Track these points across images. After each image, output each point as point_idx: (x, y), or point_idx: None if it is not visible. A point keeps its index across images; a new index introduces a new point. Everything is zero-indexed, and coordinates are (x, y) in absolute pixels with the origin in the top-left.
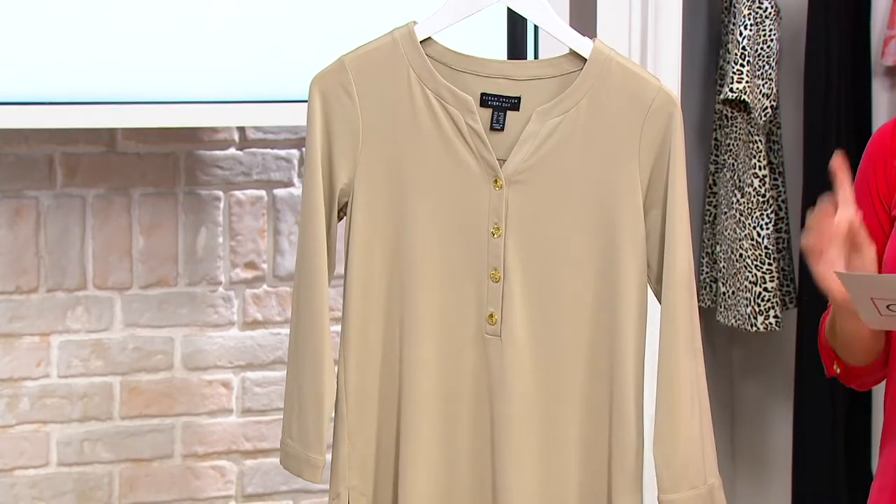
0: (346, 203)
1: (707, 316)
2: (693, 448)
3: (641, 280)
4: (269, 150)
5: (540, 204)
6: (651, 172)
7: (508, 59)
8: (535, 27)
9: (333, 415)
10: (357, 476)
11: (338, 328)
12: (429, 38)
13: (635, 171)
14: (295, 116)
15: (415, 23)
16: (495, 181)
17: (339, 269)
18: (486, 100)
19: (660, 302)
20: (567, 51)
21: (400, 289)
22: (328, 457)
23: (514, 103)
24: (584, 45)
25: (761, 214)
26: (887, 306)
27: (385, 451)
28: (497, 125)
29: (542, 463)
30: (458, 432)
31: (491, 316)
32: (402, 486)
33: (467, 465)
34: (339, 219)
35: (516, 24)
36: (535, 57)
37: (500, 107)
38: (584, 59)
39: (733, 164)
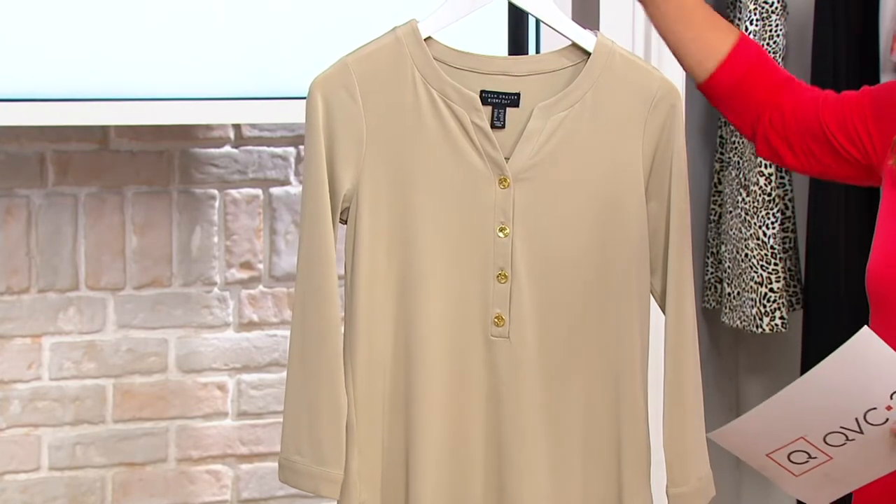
0: (347, 208)
1: (712, 317)
2: (699, 441)
3: (645, 274)
4: (265, 148)
5: (546, 201)
6: (652, 163)
7: (509, 54)
8: (537, 24)
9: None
10: (367, 489)
11: None
12: (429, 37)
13: (639, 162)
14: (292, 114)
15: (416, 21)
16: (502, 180)
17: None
18: (485, 97)
19: (656, 296)
20: (564, 45)
21: (406, 293)
22: None
23: (513, 100)
24: (587, 39)
25: (767, 213)
26: (788, 456)
27: (393, 461)
28: (498, 123)
29: (552, 465)
30: (467, 437)
31: (498, 317)
32: (413, 496)
33: (478, 469)
34: (342, 221)
35: (517, 20)
36: (537, 52)
37: (499, 104)
38: (585, 53)
39: (738, 162)
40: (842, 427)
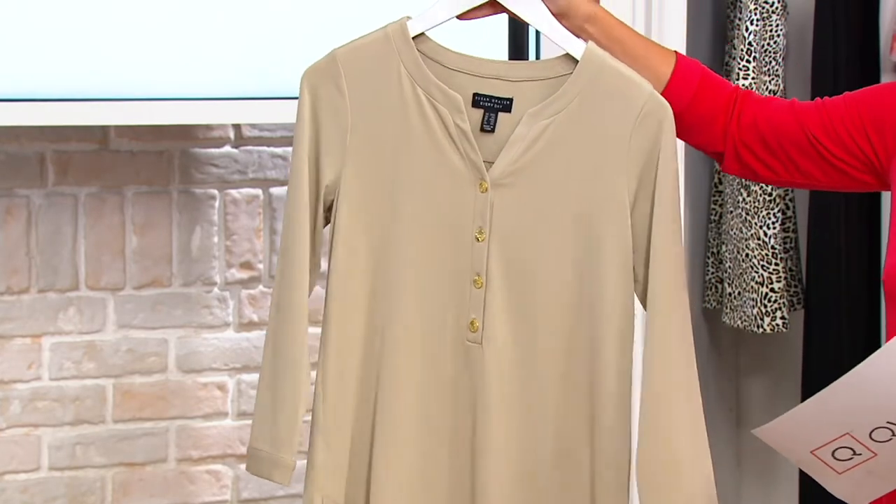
0: (333, 202)
1: (712, 317)
2: (678, 468)
3: (626, 289)
4: (265, 148)
5: (525, 209)
6: (640, 180)
7: (509, 60)
8: (537, 30)
9: (310, 419)
10: (331, 483)
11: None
12: (423, 35)
13: (623, 177)
14: (291, 113)
15: (408, 18)
16: (481, 184)
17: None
18: (478, 100)
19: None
20: (563, 53)
21: (381, 291)
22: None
23: (506, 105)
24: (576, 47)
25: (768, 213)
26: (832, 453)
27: (359, 457)
28: (488, 126)
29: (522, 473)
30: (436, 440)
31: (472, 322)
32: (375, 496)
33: (445, 472)
34: (327, 219)
35: (517, 26)
36: (537, 59)
37: (491, 108)
38: (577, 62)
39: None
40: (889, 422)
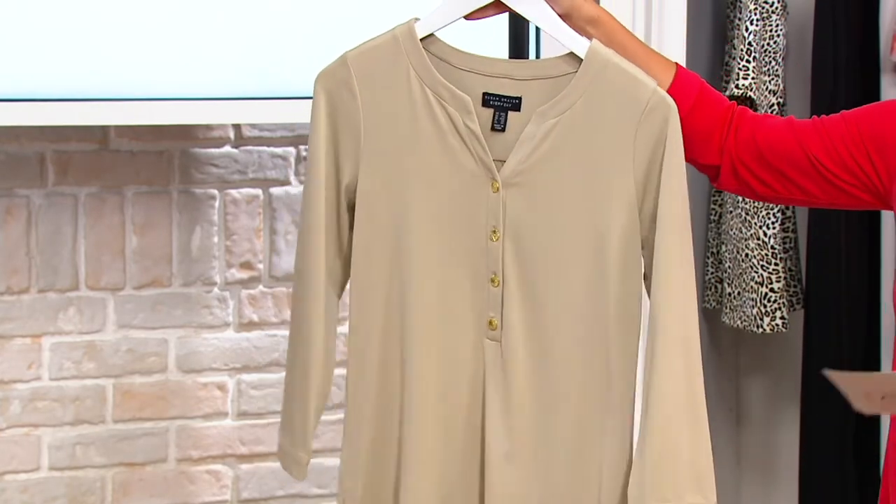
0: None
1: (712, 317)
2: (669, 460)
3: (636, 282)
4: (265, 148)
5: (537, 207)
6: (646, 175)
7: (510, 59)
8: (537, 28)
9: (344, 416)
10: (351, 481)
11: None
12: (432, 35)
13: (630, 174)
14: (292, 113)
15: (416, 20)
16: (493, 184)
17: None
18: (487, 99)
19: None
20: (567, 51)
21: (400, 293)
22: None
23: (515, 103)
24: (580, 45)
25: (768, 213)
26: (881, 398)
27: (383, 455)
28: (498, 126)
29: (536, 470)
30: (455, 437)
31: (491, 321)
32: (405, 493)
33: (461, 471)
34: (352, 220)
35: (518, 25)
36: (537, 57)
37: (501, 107)
38: (582, 60)
39: None
40: None
